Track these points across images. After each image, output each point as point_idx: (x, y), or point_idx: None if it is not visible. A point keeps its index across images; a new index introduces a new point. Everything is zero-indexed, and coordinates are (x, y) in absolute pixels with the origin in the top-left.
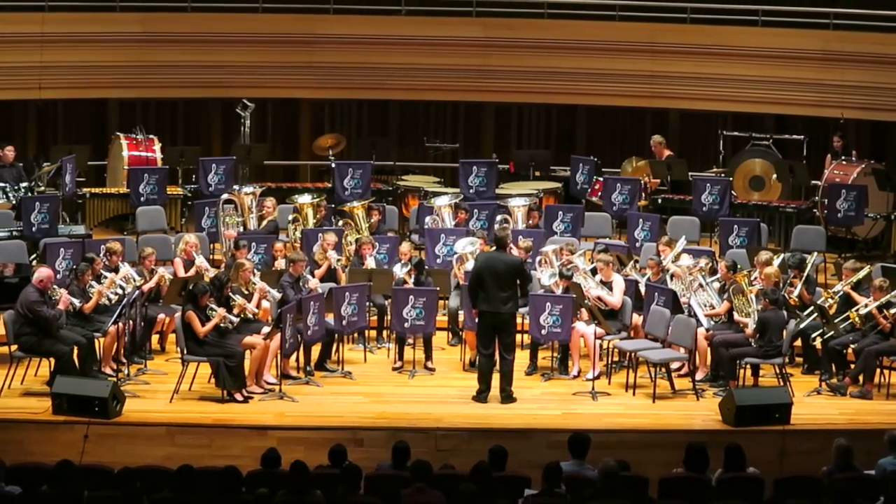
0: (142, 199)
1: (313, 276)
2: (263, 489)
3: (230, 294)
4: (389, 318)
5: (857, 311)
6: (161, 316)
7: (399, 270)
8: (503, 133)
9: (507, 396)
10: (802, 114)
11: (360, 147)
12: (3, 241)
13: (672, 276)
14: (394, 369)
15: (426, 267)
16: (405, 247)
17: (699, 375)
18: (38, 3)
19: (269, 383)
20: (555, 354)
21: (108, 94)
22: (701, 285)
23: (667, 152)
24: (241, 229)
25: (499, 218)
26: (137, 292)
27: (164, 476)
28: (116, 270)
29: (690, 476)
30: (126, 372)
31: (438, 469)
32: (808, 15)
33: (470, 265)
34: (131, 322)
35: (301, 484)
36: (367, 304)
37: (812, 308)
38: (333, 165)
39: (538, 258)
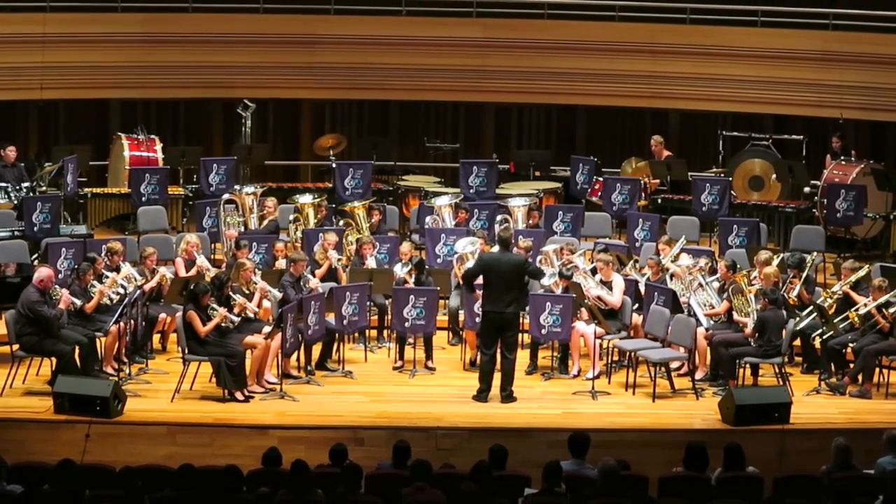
0: (143, 198)
1: (314, 276)
2: (264, 488)
3: (231, 294)
4: (390, 317)
5: (856, 310)
6: (162, 315)
7: (400, 270)
8: (503, 133)
9: (507, 396)
10: (802, 114)
11: (361, 147)
12: (4, 240)
13: (672, 276)
14: (394, 369)
15: (427, 267)
16: (406, 247)
17: (699, 375)
18: (40, 3)
19: (269, 383)
20: (555, 354)
21: (110, 95)
22: (700, 285)
23: (666, 152)
24: (242, 229)
25: (499, 218)
26: (139, 292)
27: (165, 475)
28: (118, 270)
29: (690, 475)
30: (127, 371)
31: (439, 468)
32: (807, 15)
33: (470, 265)
34: (132, 322)
35: (302, 483)
36: (368, 303)
37: (811, 308)
38: (334, 165)
39: (538, 258)
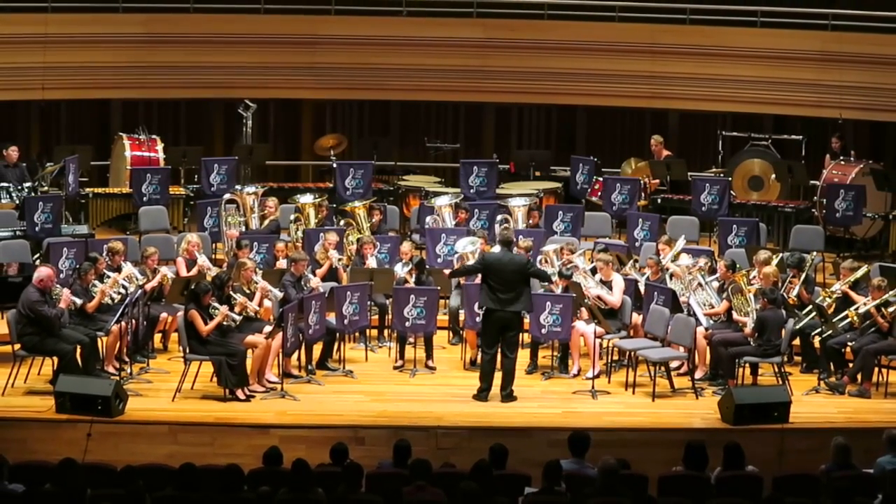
0: (144, 198)
1: (315, 276)
2: (265, 487)
3: (232, 293)
4: (390, 317)
5: (855, 309)
6: (163, 315)
7: (400, 270)
8: (503, 133)
9: (507, 395)
10: (801, 114)
11: (362, 147)
12: (6, 240)
13: (671, 276)
14: (395, 368)
15: (427, 266)
16: (406, 246)
17: (698, 374)
18: (42, 4)
19: (270, 382)
20: (555, 353)
21: (111, 95)
22: (700, 284)
23: (666, 152)
24: (243, 229)
25: (499, 218)
26: (140, 291)
27: (166, 474)
28: (119, 270)
29: (690, 474)
30: (129, 371)
31: (439, 467)
32: (807, 16)
33: (470, 265)
34: (134, 321)
35: (303, 482)
36: (369, 303)
37: (810, 307)
38: (335, 165)
39: (539, 258)
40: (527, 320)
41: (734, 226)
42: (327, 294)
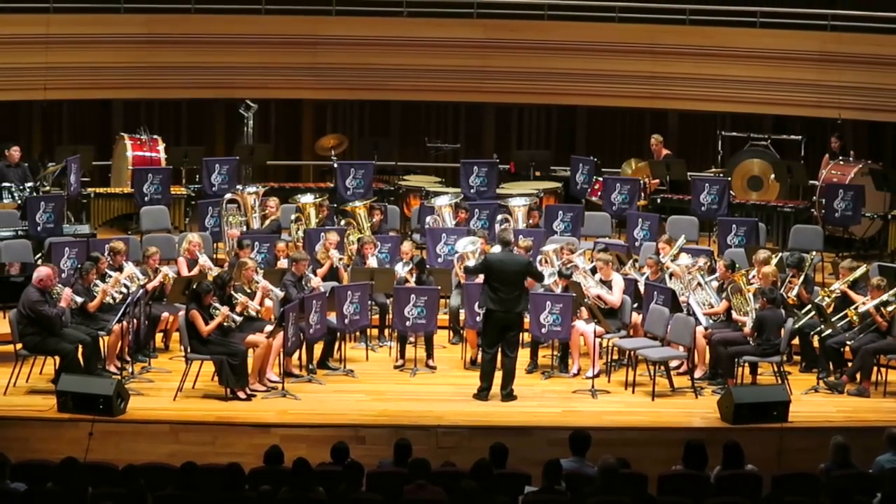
0: (146, 198)
1: (315, 275)
2: (266, 486)
3: (233, 293)
4: (391, 316)
5: (854, 309)
6: (165, 314)
7: (401, 269)
8: (504, 133)
9: (507, 394)
10: (800, 114)
11: (362, 147)
12: (8, 240)
13: (671, 275)
14: (395, 367)
15: (427, 266)
16: (407, 246)
17: (698, 373)
18: (43, 4)
19: (271, 381)
20: (555, 353)
21: (113, 95)
22: (699, 284)
23: (665, 151)
24: (245, 229)
25: (499, 218)
26: (141, 291)
27: (167, 473)
28: (121, 269)
29: (689, 473)
30: (130, 370)
31: (440, 466)
32: (806, 16)
33: (471, 265)
34: (135, 320)
35: (304, 481)
36: (369, 302)
37: (810, 307)
38: (336, 165)
39: (539, 257)
40: (527, 320)
41: (733, 225)
42: (328, 294)
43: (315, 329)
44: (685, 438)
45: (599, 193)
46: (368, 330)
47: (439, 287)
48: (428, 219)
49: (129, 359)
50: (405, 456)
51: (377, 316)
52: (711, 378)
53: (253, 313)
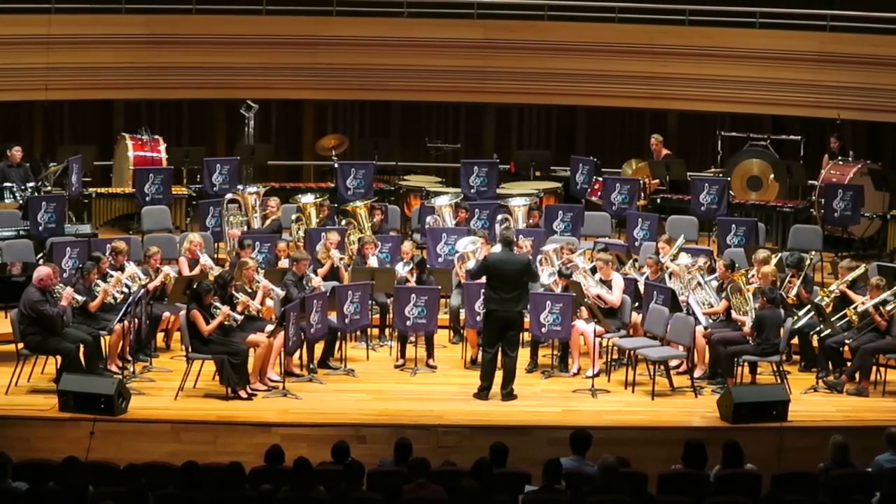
0: (147, 198)
1: (316, 275)
2: (267, 485)
3: (234, 292)
4: (391, 316)
5: (854, 308)
6: (166, 314)
7: (401, 269)
8: (504, 133)
9: (507, 394)
10: (799, 114)
11: (363, 147)
12: (10, 240)
13: (671, 275)
14: (396, 367)
15: (428, 266)
16: (407, 246)
17: (697, 373)
18: (45, 5)
19: (272, 381)
20: (555, 352)
21: (114, 95)
22: (699, 284)
23: (665, 151)
24: (245, 228)
25: (499, 218)
26: (143, 291)
27: (169, 472)
28: (122, 269)
29: (689, 472)
30: (131, 369)
31: (440, 465)
32: (805, 17)
33: (471, 264)
34: (137, 320)
35: (304, 480)
36: (370, 302)
37: (809, 306)
38: (336, 165)
39: (539, 257)
40: (527, 319)
41: (733, 225)
42: (329, 293)
43: (316, 329)
44: (685, 438)
45: (599, 193)
46: (369, 329)
47: (440, 287)
48: (428, 219)
49: (130, 358)
50: (405, 455)
51: (378, 315)
52: (711, 377)
53: (254, 313)
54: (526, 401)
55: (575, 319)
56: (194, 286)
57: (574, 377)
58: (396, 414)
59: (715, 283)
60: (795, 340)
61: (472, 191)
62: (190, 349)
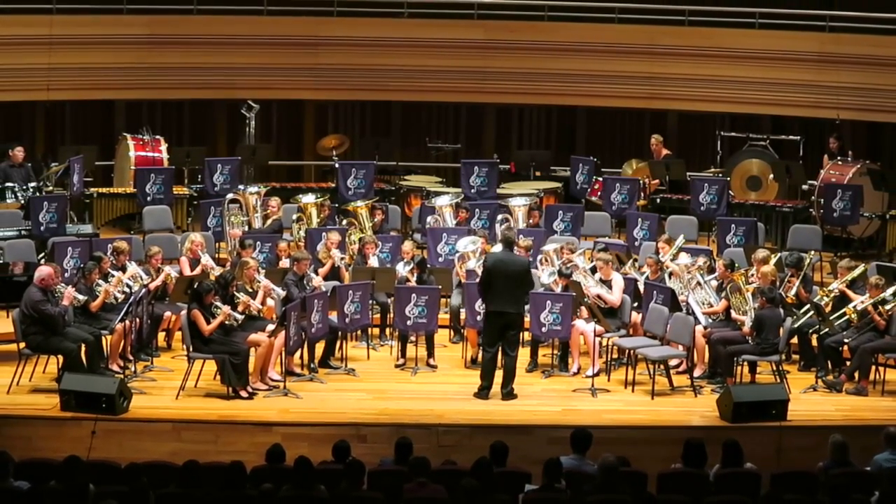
0: (148, 198)
1: (317, 275)
2: (268, 484)
3: (235, 292)
4: (392, 315)
5: (853, 307)
6: (167, 314)
7: (402, 269)
8: (504, 134)
9: (508, 393)
10: (799, 115)
11: (364, 147)
12: (12, 240)
13: (670, 275)
14: (396, 366)
15: (428, 265)
16: (408, 246)
17: (697, 372)
18: (47, 5)
19: (273, 380)
20: (555, 352)
21: (115, 96)
22: (699, 283)
23: (665, 151)
24: (246, 228)
25: (499, 218)
26: (144, 290)
27: (170, 471)
28: (124, 269)
29: (689, 471)
30: (133, 369)
31: (440, 465)
32: (805, 17)
33: (471, 264)
34: (138, 320)
35: (305, 479)
36: (371, 302)
37: (808, 306)
38: (337, 165)
39: (539, 257)
40: (527, 319)
41: (732, 225)
42: (329, 293)
43: (317, 328)
44: (684, 437)
45: (599, 193)
46: (370, 329)
47: (440, 286)
48: (429, 218)
49: (131, 358)
50: (406, 454)
51: (378, 315)
52: (710, 377)
53: (255, 312)
54: (526, 400)
55: (575, 319)
56: (195, 286)
57: (574, 377)
58: (397, 413)
59: (714, 283)
60: (795, 340)
61: (473, 191)
62: (191, 349)
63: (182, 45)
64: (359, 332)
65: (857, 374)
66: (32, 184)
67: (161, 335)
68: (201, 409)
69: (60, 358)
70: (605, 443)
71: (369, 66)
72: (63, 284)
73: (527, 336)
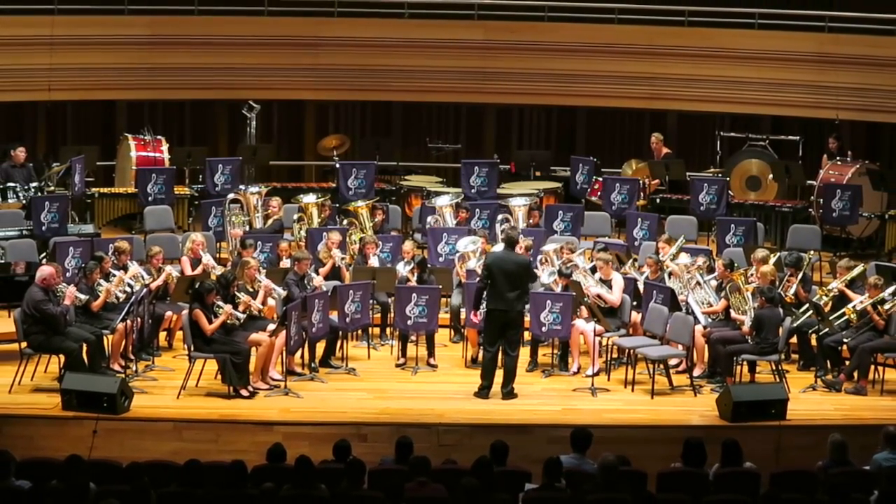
0: (149, 198)
1: (318, 275)
2: (269, 483)
3: (236, 292)
4: (393, 315)
5: (853, 307)
6: (168, 313)
7: (402, 269)
8: (504, 134)
9: (508, 393)
10: (798, 115)
11: (364, 147)
12: (13, 239)
13: (670, 275)
14: (397, 366)
15: (429, 265)
16: (408, 245)
17: (697, 372)
18: (48, 6)
19: (274, 379)
20: (555, 351)
21: (117, 96)
22: (699, 283)
23: (665, 150)
24: (247, 228)
25: (500, 217)
26: (145, 290)
27: (171, 470)
28: (125, 269)
29: (688, 471)
30: (134, 368)
31: (441, 464)
32: (804, 18)
33: (471, 263)
34: (139, 319)
35: (306, 478)
36: (371, 301)
37: (807, 305)
38: (338, 165)
39: (539, 257)
40: (527, 318)
41: (732, 225)
42: (330, 293)
43: (317, 328)
44: (684, 436)
45: (599, 193)
46: (370, 329)
47: (440, 286)
48: (429, 218)
49: (132, 357)
50: (406, 454)
51: (379, 315)
52: (710, 376)
53: (256, 312)
54: (526, 399)
55: (575, 319)
56: (196, 286)
57: (574, 376)
58: (397, 413)
59: (714, 283)
60: (794, 339)
61: (473, 191)
62: (192, 348)
63: (183, 46)
64: (359, 332)
65: (856, 374)
66: (34, 184)
67: (162, 335)
68: (202, 408)
69: (62, 357)
70: (604, 442)
71: (370, 67)
72: (64, 284)
73: (527, 336)
